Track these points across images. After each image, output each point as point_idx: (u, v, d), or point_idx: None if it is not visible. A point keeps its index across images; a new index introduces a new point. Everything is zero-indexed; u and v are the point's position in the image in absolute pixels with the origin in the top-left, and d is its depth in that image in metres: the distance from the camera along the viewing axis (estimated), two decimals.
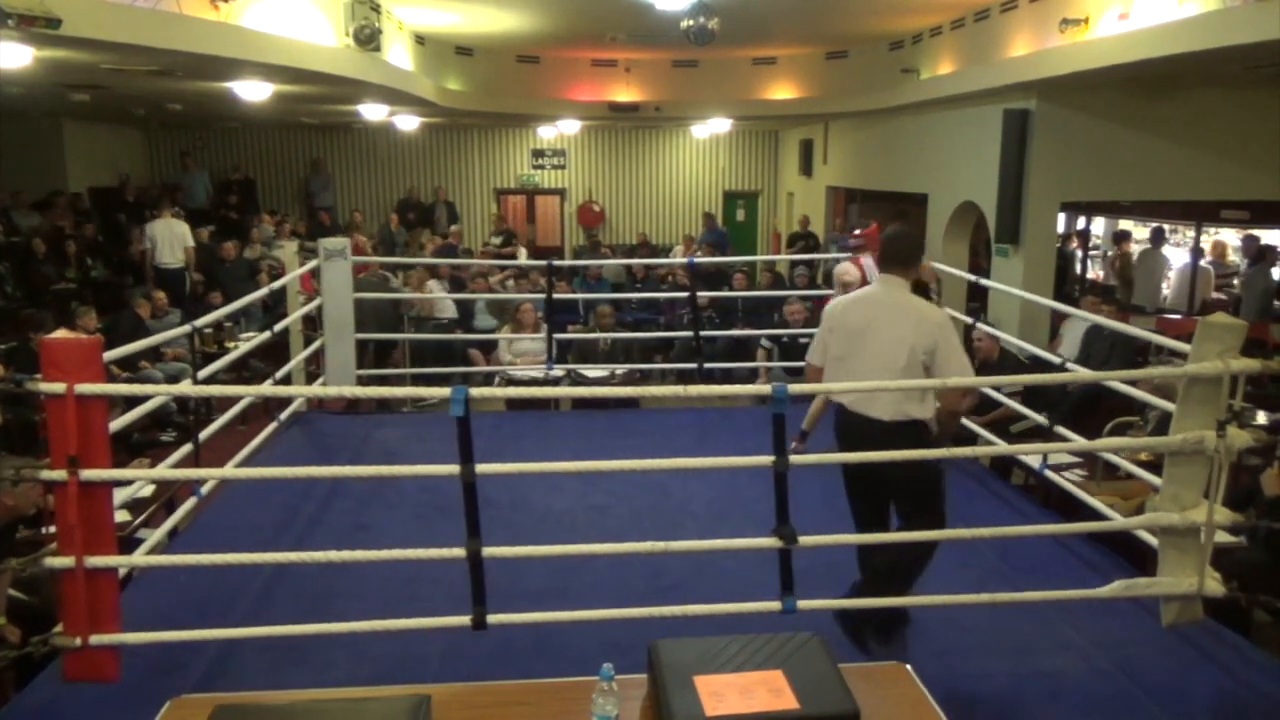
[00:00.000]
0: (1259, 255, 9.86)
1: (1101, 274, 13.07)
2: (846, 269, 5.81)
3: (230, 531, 4.59)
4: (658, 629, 2.95)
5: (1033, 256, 8.91)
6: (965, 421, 5.94)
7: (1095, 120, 8.56)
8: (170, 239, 10.91)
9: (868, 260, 5.76)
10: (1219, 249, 12.25)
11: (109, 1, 5.13)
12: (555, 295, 7.42)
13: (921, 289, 4.32)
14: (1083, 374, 5.06)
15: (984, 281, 6.86)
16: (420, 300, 9.67)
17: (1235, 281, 11.93)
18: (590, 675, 2.28)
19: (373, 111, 11.94)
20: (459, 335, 9.37)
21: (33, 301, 9.79)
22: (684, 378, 7.75)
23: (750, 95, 13.02)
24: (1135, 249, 12.17)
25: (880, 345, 3.51)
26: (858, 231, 6.45)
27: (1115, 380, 4.39)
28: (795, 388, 3.05)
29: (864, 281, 5.62)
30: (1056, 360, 5.61)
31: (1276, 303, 9.71)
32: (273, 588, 4.05)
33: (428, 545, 3.16)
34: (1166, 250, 11.68)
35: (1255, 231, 10.45)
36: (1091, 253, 13.48)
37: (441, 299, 9.65)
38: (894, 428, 3.48)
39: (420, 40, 10.87)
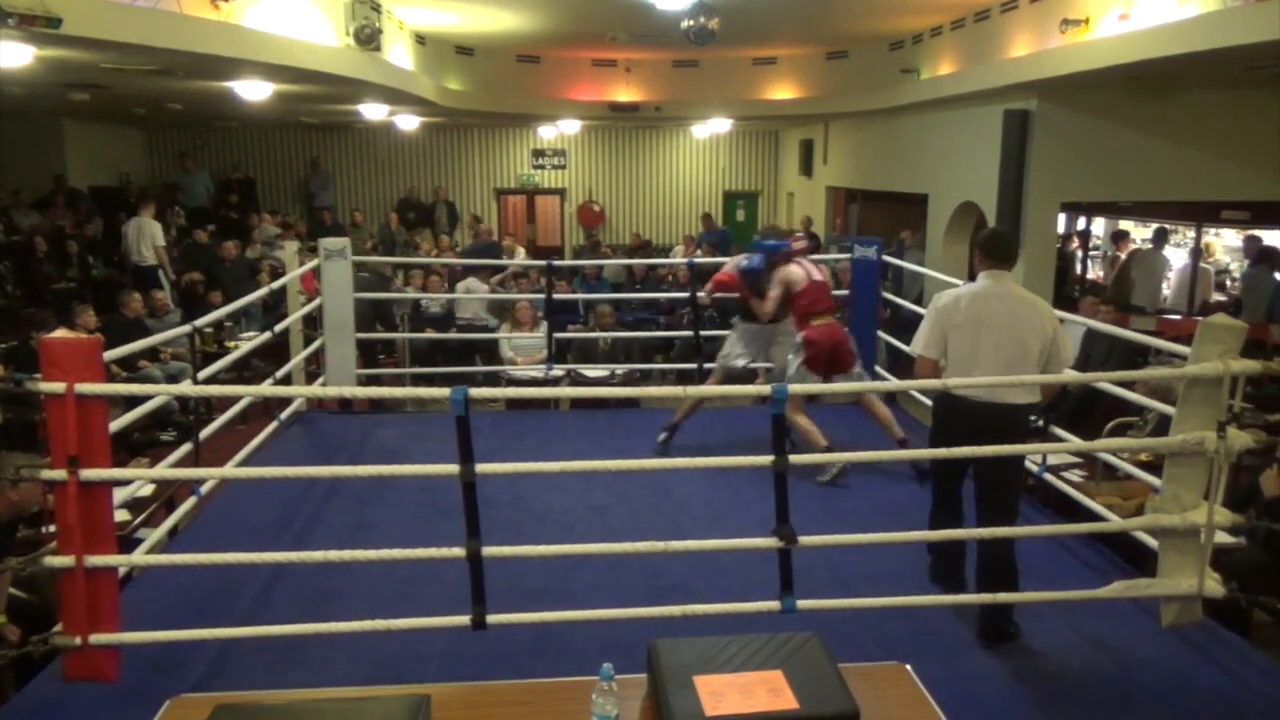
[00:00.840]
0: (1260, 256, 9.86)
1: (1101, 274, 13.08)
2: (793, 272, 5.60)
3: (230, 531, 4.59)
4: (657, 629, 2.95)
5: (1033, 257, 8.91)
6: None
7: (1095, 121, 8.57)
8: (139, 237, 10.92)
9: (807, 264, 5.70)
10: (1207, 249, 12.25)
11: (109, 1, 5.13)
12: (555, 295, 7.43)
13: None
14: (1080, 375, 5.06)
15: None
16: (425, 298, 9.65)
17: (1229, 282, 11.95)
18: (590, 675, 2.28)
19: (373, 111, 11.94)
20: (455, 334, 9.36)
21: (33, 301, 9.79)
22: (684, 378, 7.75)
23: (750, 95, 13.02)
24: (1130, 249, 12.19)
25: (1013, 335, 3.65)
26: (799, 234, 6.34)
27: (1113, 381, 4.39)
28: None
29: (809, 281, 5.54)
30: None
31: None
32: (272, 587, 4.05)
33: (427, 545, 3.16)
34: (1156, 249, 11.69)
35: (1256, 232, 10.45)
36: (1092, 253, 13.49)
37: (477, 298, 9.54)
38: (1025, 410, 3.71)
39: (420, 40, 10.87)
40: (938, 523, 3.92)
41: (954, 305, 3.76)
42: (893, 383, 5.40)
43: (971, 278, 10.32)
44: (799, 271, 5.59)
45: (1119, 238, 12.55)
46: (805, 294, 5.54)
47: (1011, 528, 3.61)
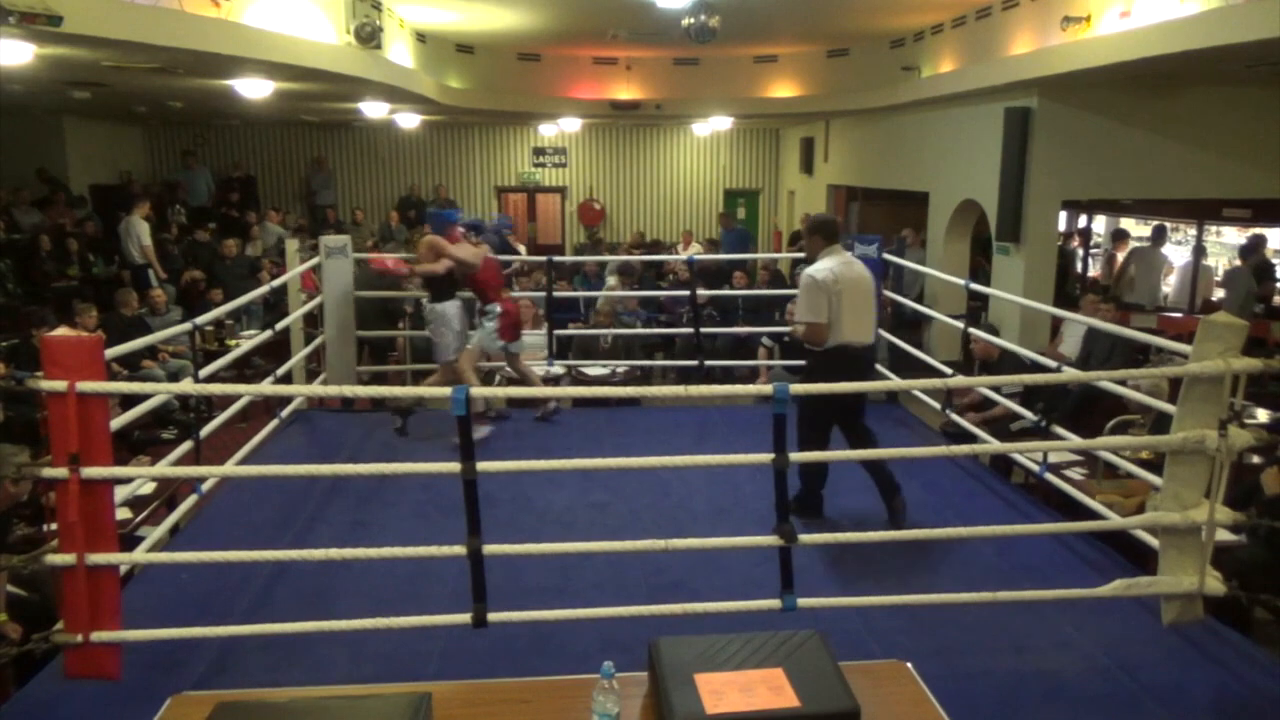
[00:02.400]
0: (1246, 254, 9.87)
1: (1100, 272, 13.07)
2: (452, 248, 6.03)
3: (231, 529, 4.59)
4: (658, 627, 2.95)
5: (1034, 255, 8.91)
6: (964, 422, 5.96)
7: (1097, 118, 8.56)
8: (127, 237, 10.96)
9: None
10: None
11: None
12: (555, 293, 7.42)
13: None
14: (1080, 374, 5.06)
15: (977, 288, 6.86)
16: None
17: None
18: (591, 673, 2.28)
19: (374, 109, 11.93)
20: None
21: (34, 299, 9.79)
22: (685, 376, 7.75)
23: (751, 93, 13.01)
24: (1130, 246, 12.20)
25: (864, 293, 4.73)
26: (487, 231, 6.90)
27: (1111, 380, 4.39)
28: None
29: (483, 260, 6.13)
30: (1050, 364, 5.61)
31: (1258, 308, 9.64)
32: (273, 585, 4.05)
33: (428, 543, 3.16)
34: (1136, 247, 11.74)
35: (1259, 230, 10.45)
36: (1093, 251, 13.48)
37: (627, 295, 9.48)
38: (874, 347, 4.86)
39: (421, 38, 10.86)
40: (812, 465, 4.61)
41: (831, 279, 4.59)
42: (892, 382, 5.40)
43: (973, 275, 10.35)
44: (472, 251, 6.12)
45: (1118, 236, 12.56)
46: (487, 273, 6.13)
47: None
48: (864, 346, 4.72)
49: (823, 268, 4.64)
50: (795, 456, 3.19)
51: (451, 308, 6.10)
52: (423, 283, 6.21)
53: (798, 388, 3.19)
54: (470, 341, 6.12)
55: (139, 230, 10.97)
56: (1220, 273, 11.66)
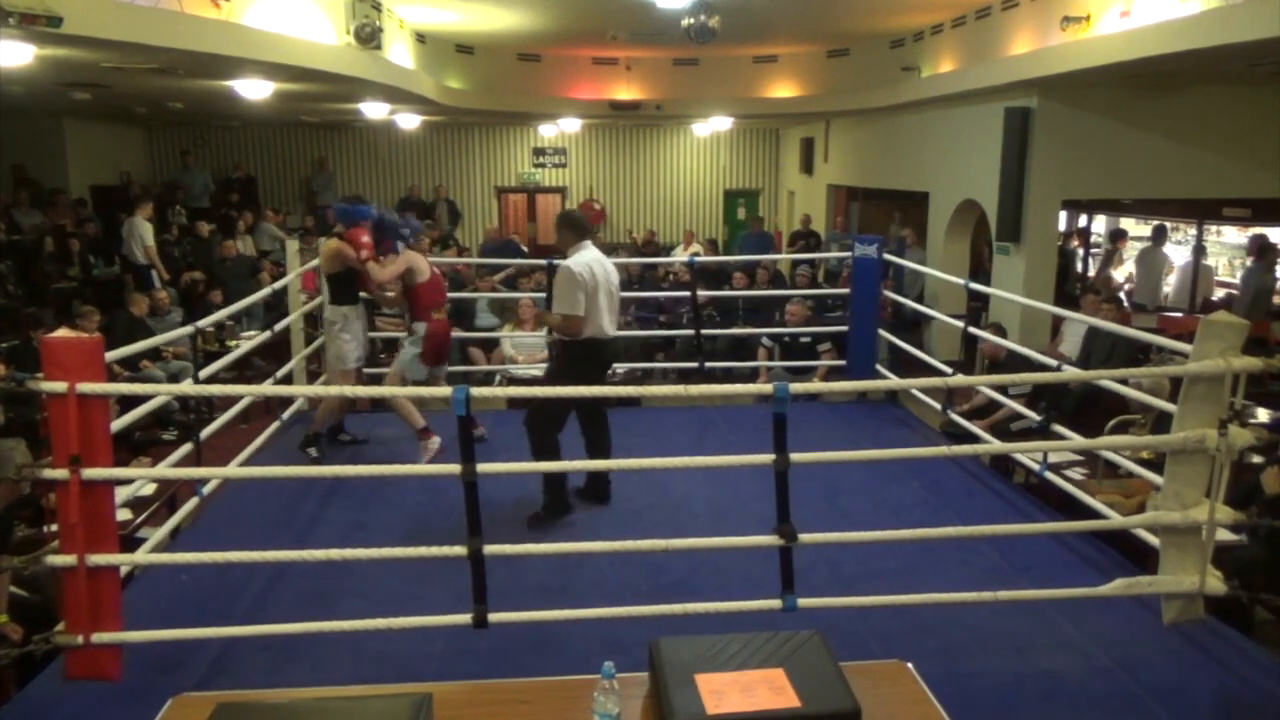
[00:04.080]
0: (1260, 252, 9.86)
1: (1098, 273, 13.10)
2: (415, 258, 5.67)
3: (232, 530, 4.59)
4: (659, 627, 2.95)
5: (1034, 254, 8.91)
6: (964, 422, 5.96)
7: (1096, 118, 8.56)
8: (130, 238, 11.00)
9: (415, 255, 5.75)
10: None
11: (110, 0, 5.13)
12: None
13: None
14: (1079, 373, 5.07)
15: (977, 287, 6.86)
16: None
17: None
18: (591, 673, 2.28)
19: (373, 110, 11.93)
20: (458, 334, 9.35)
21: (35, 300, 9.79)
22: (685, 376, 7.75)
23: (751, 93, 13.01)
24: (1120, 247, 12.29)
25: (614, 286, 4.90)
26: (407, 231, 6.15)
27: (1111, 379, 4.39)
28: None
29: (433, 274, 5.77)
30: (1051, 363, 5.61)
31: (1278, 299, 9.71)
32: (274, 586, 4.05)
33: (429, 544, 3.16)
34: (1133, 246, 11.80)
35: (1263, 229, 10.45)
36: (1093, 251, 13.48)
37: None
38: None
39: (421, 38, 10.87)
40: (551, 456, 4.65)
41: (588, 274, 4.70)
42: (892, 381, 5.40)
43: (973, 275, 10.34)
44: (424, 262, 5.76)
45: (1117, 236, 12.60)
46: (429, 286, 5.71)
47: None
48: (609, 339, 4.93)
49: (579, 262, 4.74)
50: (796, 458, 3.18)
51: (354, 312, 5.70)
52: (328, 282, 5.70)
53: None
54: (393, 364, 5.76)
55: (142, 231, 10.98)
56: (1220, 272, 11.68)
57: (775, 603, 3.21)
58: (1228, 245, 12.59)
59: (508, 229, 16.85)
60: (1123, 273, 12.17)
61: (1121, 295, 10.62)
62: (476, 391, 2.96)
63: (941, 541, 4.11)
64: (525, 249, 14.86)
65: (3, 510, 4.03)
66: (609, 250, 13.95)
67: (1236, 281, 11.26)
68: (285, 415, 6.18)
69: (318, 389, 4.33)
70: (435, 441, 5.51)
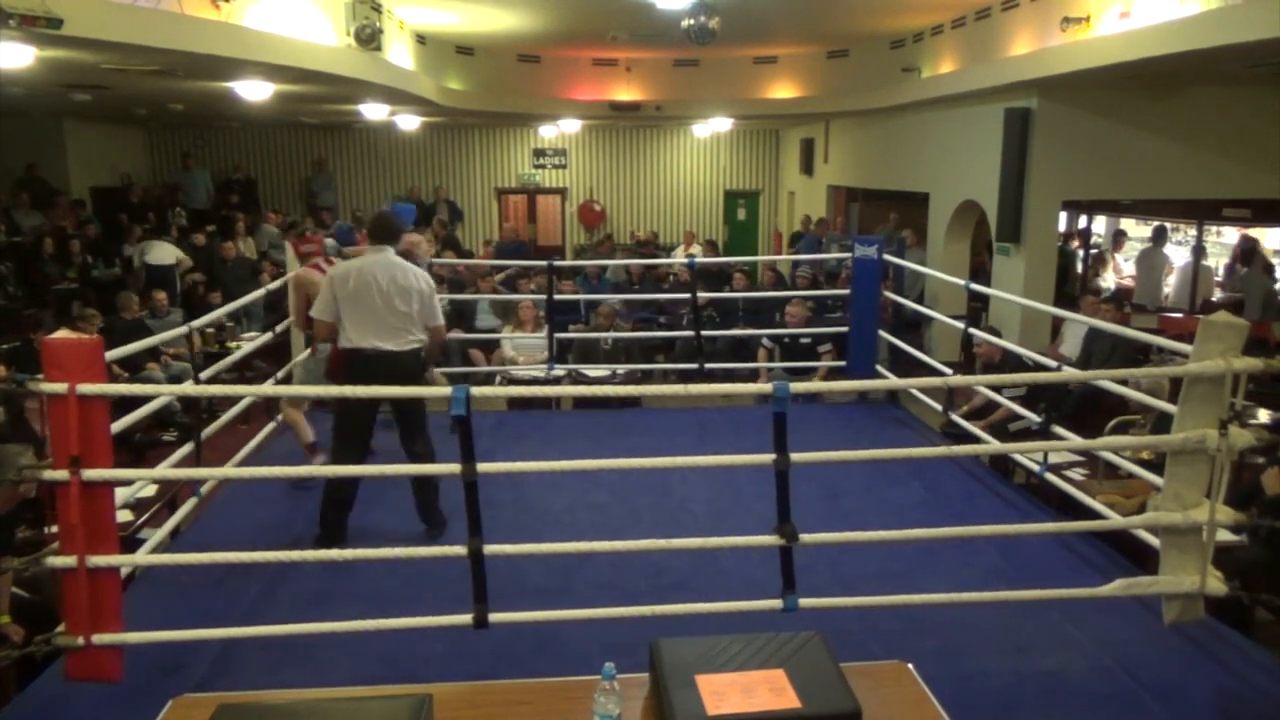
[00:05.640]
0: (1251, 256, 9.88)
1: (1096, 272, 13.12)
2: (309, 275, 5.17)
3: (232, 531, 4.59)
4: (659, 628, 2.95)
5: (1034, 255, 8.91)
6: (964, 423, 5.96)
7: (1096, 119, 8.56)
8: (159, 254, 11.07)
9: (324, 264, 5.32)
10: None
11: (110, 1, 5.13)
12: (556, 295, 7.42)
13: (409, 258, 4.94)
14: (1079, 373, 5.06)
15: (977, 288, 6.86)
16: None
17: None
18: (592, 674, 2.28)
19: (374, 111, 11.94)
20: (458, 335, 9.34)
21: (35, 301, 9.79)
22: (685, 377, 7.74)
23: (751, 94, 13.01)
24: (1124, 249, 12.33)
25: (393, 294, 4.41)
26: (308, 235, 5.74)
27: (1110, 380, 4.39)
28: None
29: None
30: (1050, 364, 5.62)
31: None
32: (274, 587, 4.05)
33: (429, 544, 3.16)
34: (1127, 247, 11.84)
35: (1254, 231, 10.46)
36: (1093, 251, 13.48)
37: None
38: (407, 355, 4.45)
39: (421, 40, 10.87)
40: (336, 482, 4.41)
41: (348, 279, 4.42)
42: (892, 381, 5.40)
43: (973, 275, 10.35)
44: (317, 274, 5.24)
45: (1117, 237, 12.62)
46: None
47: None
48: (375, 352, 4.41)
49: (346, 267, 4.50)
50: (796, 458, 3.18)
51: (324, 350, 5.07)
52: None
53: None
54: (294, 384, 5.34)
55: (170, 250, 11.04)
56: (1220, 274, 11.68)
57: (776, 603, 3.21)
58: (1228, 246, 12.59)
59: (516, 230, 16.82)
60: (1112, 277, 12.17)
61: (1106, 293, 10.65)
62: (477, 391, 2.96)
63: (942, 542, 4.12)
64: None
65: (5, 513, 4.03)
66: (609, 253, 14.00)
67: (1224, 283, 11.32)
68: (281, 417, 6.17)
69: (318, 389, 4.33)
70: (321, 458, 5.15)
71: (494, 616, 3.14)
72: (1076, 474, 5.14)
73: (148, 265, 10.91)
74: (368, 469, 3.78)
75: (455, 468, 3.05)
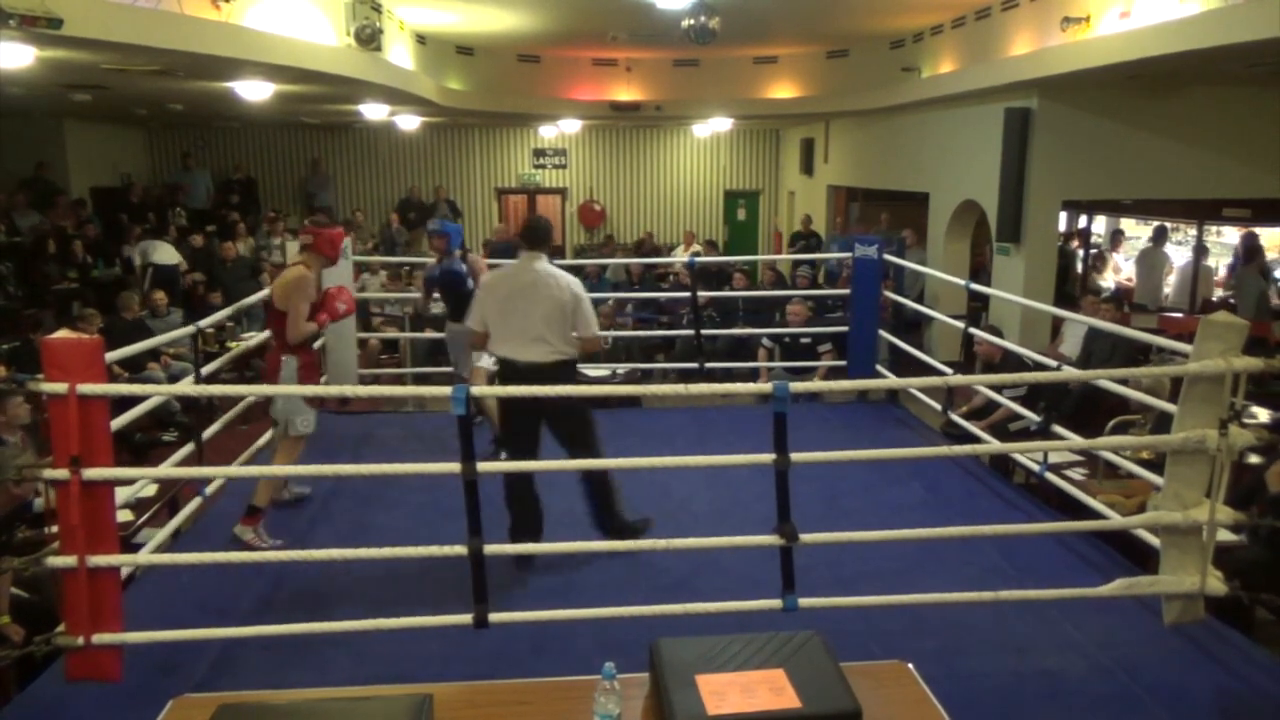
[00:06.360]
0: (1252, 254, 9.88)
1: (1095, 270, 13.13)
2: (301, 274, 4.61)
3: (231, 531, 4.59)
4: (659, 627, 2.95)
5: (1034, 255, 8.91)
6: (964, 423, 5.96)
7: (1096, 119, 8.56)
8: (164, 254, 11.10)
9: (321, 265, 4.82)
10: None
11: (110, 1, 5.13)
12: None
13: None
14: (1078, 373, 5.07)
15: (977, 288, 6.85)
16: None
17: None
18: (592, 674, 2.28)
19: (374, 111, 11.94)
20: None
21: (35, 301, 9.79)
22: (685, 377, 7.75)
23: (751, 94, 13.01)
24: (1122, 249, 12.34)
25: (540, 302, 4.25)
26: (306, 223, 5.47)
27: (1110, 379, 4.38)
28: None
29: (318, 285, 4.71)
30: (1051, 364, 5.62)
31: (1277, 301, 9.71)
32: (275, 587, 4.05)
33: (429, 544, 3.16)
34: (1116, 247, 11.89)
35: (1255, 229, 10.45)
36: (1093, 251, 13.48)
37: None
38: (550, 368, 4.26)
39: (421, 40, 10.87)
40: (523, 485, 4.32)
41: (492, 284, 4.37)
42: (892, 380, 5.40)
43: (973, 275, 10.35)
44: (308, 272, 4.72)
45: (1115, 237, 12.63)
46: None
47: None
48: (529, 365, 4.25)
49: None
50: (796, 458, 3.18)
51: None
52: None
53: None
54: (278, 417, 4.76)
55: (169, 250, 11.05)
56: (1220, 273, 11.68)
57: (776, 603, 3.21)
58: (1228, 245, 12.59)
59: (508, 230, 16.83)
60: (1112, 277, 12.18)
61: (1107, 293, 10.66)
62: (477, 391, 2.96)
63: (942, 541, 4.12)
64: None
65: (5, 513, 4.03)
66: (611, 254, 14.02)
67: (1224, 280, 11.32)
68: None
69: (318, 389, 4.32)
70: (255, 534, 4.53)
71: (494, 616, 3.14)
72: (1076, 474, 5.15)
73: (154, 265, 10.92)
74: (370, 468, 3.77)
75: (455, 467, 3.05)
